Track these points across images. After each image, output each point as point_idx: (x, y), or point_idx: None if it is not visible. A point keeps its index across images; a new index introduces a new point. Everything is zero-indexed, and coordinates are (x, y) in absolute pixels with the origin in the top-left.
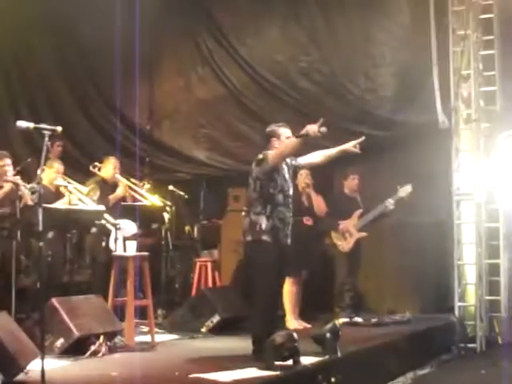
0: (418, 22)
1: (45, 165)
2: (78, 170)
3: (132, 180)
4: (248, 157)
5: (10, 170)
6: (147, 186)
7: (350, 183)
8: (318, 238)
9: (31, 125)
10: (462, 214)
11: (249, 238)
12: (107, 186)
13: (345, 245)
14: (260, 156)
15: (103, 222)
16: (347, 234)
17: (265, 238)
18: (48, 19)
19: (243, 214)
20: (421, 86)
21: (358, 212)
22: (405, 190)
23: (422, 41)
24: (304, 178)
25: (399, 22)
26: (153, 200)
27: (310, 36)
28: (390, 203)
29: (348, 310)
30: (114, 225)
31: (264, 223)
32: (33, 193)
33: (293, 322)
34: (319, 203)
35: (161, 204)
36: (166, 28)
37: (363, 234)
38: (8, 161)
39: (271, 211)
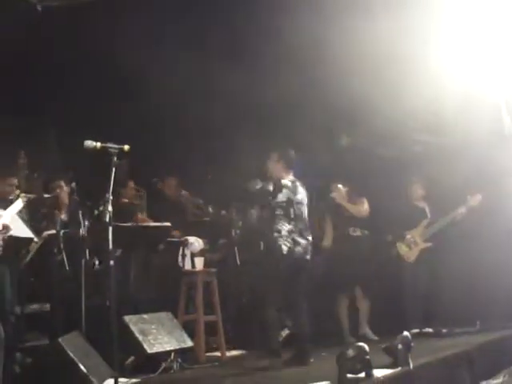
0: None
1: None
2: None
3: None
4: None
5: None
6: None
7: (414, 191)
8: (374, 249)
9: (98, 144)
10: None
11: None
12: (171, 205)
13: (410, 255)
14: None
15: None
16: (412, 244)
17: None
18: None
19: None
20: (487, 91)
21: (426, 221)
22: (475, 199)
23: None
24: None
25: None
26: None
27: None
28: (459, 212)
29: (418, 320)
30: (182, 241)
31: None
32: None
33: (347, 338)
34: (356, 209)
35: None
36: None
37: (428, 244)
38: (65, 188)
39: None
